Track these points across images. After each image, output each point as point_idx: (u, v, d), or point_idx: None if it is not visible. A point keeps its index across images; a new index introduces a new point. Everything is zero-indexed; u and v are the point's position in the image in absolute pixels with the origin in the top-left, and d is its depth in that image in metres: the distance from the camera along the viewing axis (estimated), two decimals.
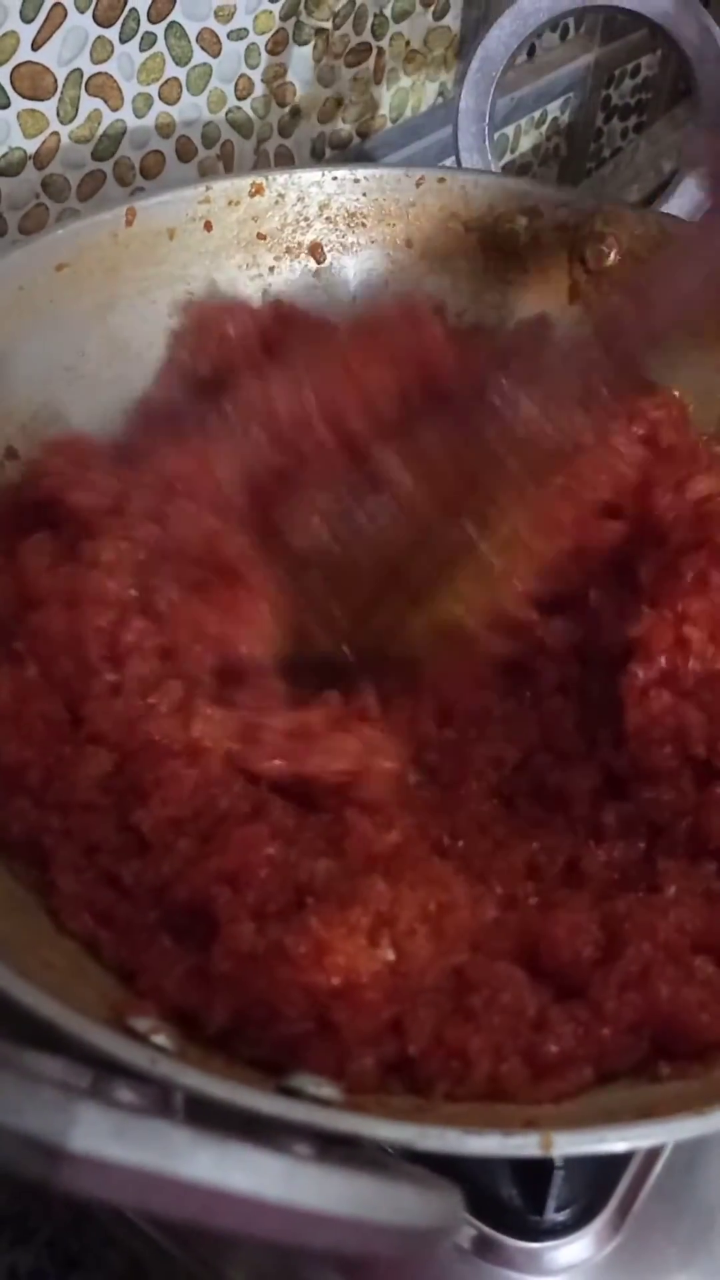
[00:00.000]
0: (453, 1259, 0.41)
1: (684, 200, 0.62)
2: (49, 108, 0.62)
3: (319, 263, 0.64)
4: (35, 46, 0.60)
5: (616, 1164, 0.44)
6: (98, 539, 0.46)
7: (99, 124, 0.65)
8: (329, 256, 0.64)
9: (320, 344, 0.55)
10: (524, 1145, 0.28)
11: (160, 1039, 0.30)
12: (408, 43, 0.82)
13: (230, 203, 0.61)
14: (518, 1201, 0.42)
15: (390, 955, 0.35)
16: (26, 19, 0.59)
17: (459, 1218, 0.24)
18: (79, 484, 0.48)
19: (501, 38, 0.62)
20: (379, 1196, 0.21)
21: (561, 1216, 0.42)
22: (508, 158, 0.97)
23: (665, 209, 0.62)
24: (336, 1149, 0.26)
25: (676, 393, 0.58)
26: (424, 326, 0.55)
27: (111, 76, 0.64)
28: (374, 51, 0.79)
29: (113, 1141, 0.20)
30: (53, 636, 0.44)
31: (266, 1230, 0.21)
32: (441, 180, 0.64)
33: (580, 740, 0.47)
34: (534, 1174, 0.42)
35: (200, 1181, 0.20)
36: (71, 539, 0.47)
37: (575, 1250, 0.42)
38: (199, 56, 0.68)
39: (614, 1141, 0.29)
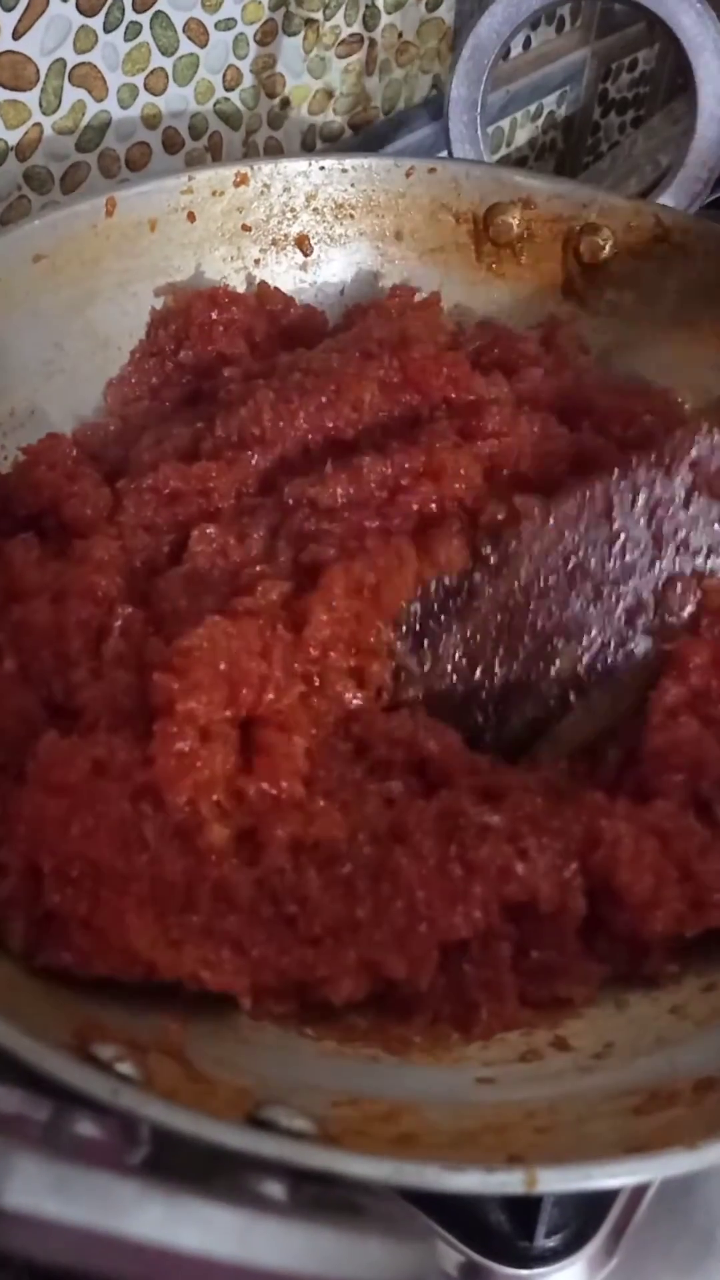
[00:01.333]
0: None
1: (680, 192, 0.61)
2: (31, 98, 0.61)
3: (306, 255, 0.63)
4: (16, 35, 0.59)
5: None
6: (90, 539, 0.46)
7: (83, 115, 0.64)
8: (316, 249, 0.63)
9: (310, 361, 0.54)
10: (507, 1183, 0.27)
11: (125, 1067, 0.28)
12: (400, 34, 0.81)
13: (214, 193, 0.60)
14: (507, 1227, 0.41)
15: None
16: (7, 7, 0.58)
17: (431, 1270, 0.22)
18: (72, 497, 0.48)
19: (493, 25, 0.61)
20: (342, 1251, 0.20)
21: (552, 1242, 0.41)
22: (503, 151, 0.96)
23: (661, 200, 0.61)
24: (308, 1186, 0.24)
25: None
26: (415, 345, 0.54)
27: (95, 67, 0.63)
28: (366, 43, 0.78)
29: (50, 1197, 0.18)
30: (36, 630, 0.43)
31: None
32: (432, 170, 0.63)
33: (583, 757, 0.46)
34: (523, 1198, 0.41)
35: (146, 1240, 0.19)
36: (61, 541, 0.48)
37: (567, 1277, 0.41)
38: (186, 46, 0.67)
39: (601, 1179, 0.28)
